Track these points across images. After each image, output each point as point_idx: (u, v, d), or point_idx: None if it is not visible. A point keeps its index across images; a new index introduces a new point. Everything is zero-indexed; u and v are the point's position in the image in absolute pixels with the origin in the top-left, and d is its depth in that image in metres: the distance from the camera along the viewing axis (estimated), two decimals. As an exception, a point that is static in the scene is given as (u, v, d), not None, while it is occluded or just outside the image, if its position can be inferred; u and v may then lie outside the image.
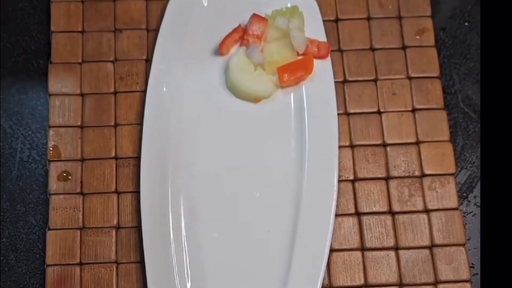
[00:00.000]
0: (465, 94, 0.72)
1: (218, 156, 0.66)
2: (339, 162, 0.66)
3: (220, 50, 0.70)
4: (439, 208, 0.66)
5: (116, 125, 0.68)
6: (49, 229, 0.64)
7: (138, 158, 0.66)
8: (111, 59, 0.71)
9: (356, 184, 0.67)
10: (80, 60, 0.71)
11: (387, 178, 0.67)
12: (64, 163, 0.67)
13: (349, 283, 0.63)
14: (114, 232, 0.64)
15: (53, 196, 0.65)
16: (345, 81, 0.71)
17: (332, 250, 0.63)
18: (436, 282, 0.63)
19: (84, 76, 0.70)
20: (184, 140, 0.66)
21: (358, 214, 0.66)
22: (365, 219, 0.65)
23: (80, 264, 0.63)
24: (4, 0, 0.73)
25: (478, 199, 0.68)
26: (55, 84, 0.70)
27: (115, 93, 0.70)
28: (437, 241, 0.65)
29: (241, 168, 0.66)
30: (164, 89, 0.68)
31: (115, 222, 0.65)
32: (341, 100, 0.69)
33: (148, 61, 0.70)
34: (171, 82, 0.68)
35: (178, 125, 0.67)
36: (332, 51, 0.71)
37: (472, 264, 0.65)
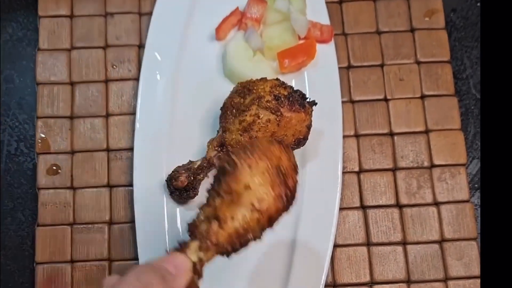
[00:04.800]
0: (477, 80, 0.69)
1: (216, 147, 0.63)
2: (344, 153, 0.64)
3: (217, 34, 0.67)
4: (449, 201, 0.63)
5: (107, 115, 0.66)
6: (38, 226, 0.62)
7: (131, 150, 0.63)
8: (102, 45, 0.68)
9: (362, 175, 0.64)
10: (69, 47, 0.68)
11: (394, 169, 0.65)
12: (53, 156, 0.64)
13: (354, 280, 0.61)
14: (106, 228, 0.62)
15: (42, 191, 0.63)
16: (349, 67, 0.68)
17: (336, 246, 0.61)
18: (446, 278, 0.61)
19: (73, 64, 0.67)
20: (179, 130, 0.63)
21: (363, 207, 0.63)
22: (371, 212, 0.63)
23: (71, 262, 0.61)
24: (-12, -17, 0.70)
25: (491, 191, 0.65)
26: (43, 72, 0.67)
27: (106, 81, 0.67)
28: (447, 235, 0.62)
29: None
30: (158, 76, 0.65)
31: (107, 217, 0.62)
32: (346, 87, 0.67)
33: (141, 47, 0.67)
34: (166, 70, 0.65)
35: (173, 114, 0.64)
36: (335, 34, 0.68)
37: (485, 259, 0.62)
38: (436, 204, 0.63)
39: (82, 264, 0.61)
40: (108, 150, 0.64)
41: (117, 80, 0.67)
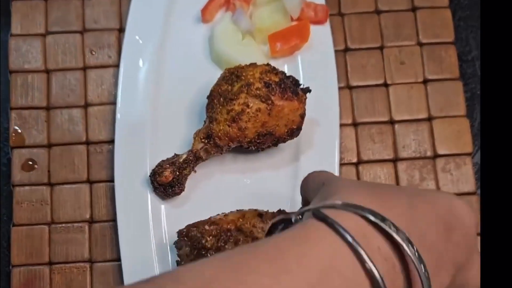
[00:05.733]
0: (484, 62, 0.64)
1: (204, 138, 0.60)
2: (341, 143, 0.61)
3: (203, 16, 0.63)
4: (454, 193, 0.60)
5: (86, 105, 0.62)
6: (13, 225, 0.59)
7: (112, 143, 0.60)
8: (80, 29, 0.64)
9: (360, 167, 0.61)
10: (44, 31, 0.64)
11: (395, 160, 0.61)
12: (28, 150, 0.60)
13: (353, 279, 0.57)
14: (86, 228, 0.59)
15: (17, 188, 0.59)
16: (346, 50, 0.64)
17: None
18: None
19: (49, 50, 0.63)
20: (163, 121, 0.60)
21: None
22: None
23: (50, 264, 0.58)
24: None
25: (499, 182, 0.61)
26: (16, 59, 0.63)
27: (84, 68, 0.63)
28: None
29: (229, 151, 0.59)
30: (140, 63, 0.61)
31: (87, 216, 0.59)
32: (342, 71, 0.63)
33: (122, 31, 0.63)
34: (148, 55, 0.61)
35: (157, 104, 0.60)
36: (331, 15, 0.64)
37: (492, 255, 0.59)
38: (440, 196, 0.60)
39: (61, 266, 0.57)
40: (87, 143, 0.61)
41: (96, 67, 0.63)
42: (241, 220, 0.52)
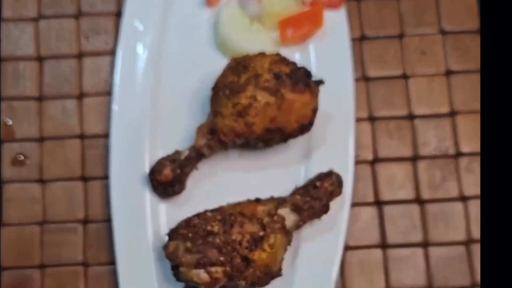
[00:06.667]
0: None
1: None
2: (356, 139, 0.58)
3: (208, 0, 0.61)
4: (477, 195, 0.59)
5: (81, 96, 0.61)
6: (3, 225, 0.57)
7: (108, 137, 0.58)
8: (75, 13, 0.62)
9: (376, 166, 0.59)
10: (36, 15, 0.62)
11: (414, 158, 0.59)
12: (19, 144, 0.59)
13: None
14: (80, 228, 0.57)
15: (7, 185, 0.58)
16: (363, 38, 0.62)
17: (346, 248, 0.57)
18: (474, 285, 0.57)
19: (42, 36, 0.62)
20: (164, 114, 0.58)
21: (378, 203, 0.59)
22: (387, 209, 0.58)
23: (41, 267, 0.57)
24: None
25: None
26: (7, 46, 0.62)
27: (80, 56, 0.62)
28: (475, 235, 0.58)
29: (235, 148, 0.57)
30: (139, 50, 0.59)
31: (81, 215, 0.58)
32: (358, 61, 0.61)
33: (120, 15, 0.62)
34: (148, 42, 0.60)
35: (157, 95, 0.59)
36: None
37: (518, 263, 0.56)
38: (463, 199, 0.58)
39: (53, 269, 0.56)
40: (82, 137, 0.59)
41: (92, 54, 0.61)
42: (238, 208, 0.51)
